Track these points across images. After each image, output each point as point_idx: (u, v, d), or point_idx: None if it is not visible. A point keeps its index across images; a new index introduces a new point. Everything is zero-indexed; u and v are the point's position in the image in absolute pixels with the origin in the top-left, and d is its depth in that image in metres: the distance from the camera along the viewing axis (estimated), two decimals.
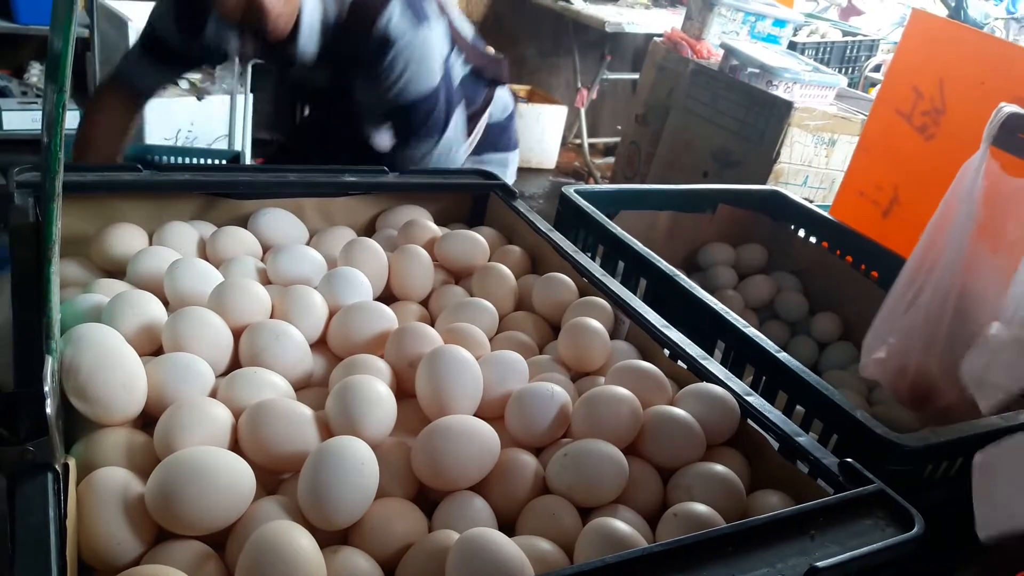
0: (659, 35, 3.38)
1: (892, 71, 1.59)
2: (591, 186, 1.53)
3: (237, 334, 0.87)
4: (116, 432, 0.73)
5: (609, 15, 3.86)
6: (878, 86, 4.13)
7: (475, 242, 1.14)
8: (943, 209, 1.12)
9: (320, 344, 0.93)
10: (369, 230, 1.25)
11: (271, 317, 0.91)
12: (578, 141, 4.43)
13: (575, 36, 4.20)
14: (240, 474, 0.67)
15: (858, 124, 2.89)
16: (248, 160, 3.38)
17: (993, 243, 1.09)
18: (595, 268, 1.11)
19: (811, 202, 1.81)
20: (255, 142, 3.51)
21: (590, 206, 1.41)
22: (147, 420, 0.76)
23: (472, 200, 1.33)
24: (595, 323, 0.95)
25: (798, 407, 1.05)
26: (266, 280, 1.01)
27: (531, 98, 4.39)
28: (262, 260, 1.07)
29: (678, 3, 4.30)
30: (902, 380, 1.16)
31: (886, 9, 6.82)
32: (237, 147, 3.34)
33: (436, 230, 1.18)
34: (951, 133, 1.47)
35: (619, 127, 4.66)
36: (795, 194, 2.34)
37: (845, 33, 4.34)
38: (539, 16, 4.25)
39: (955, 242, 1.08)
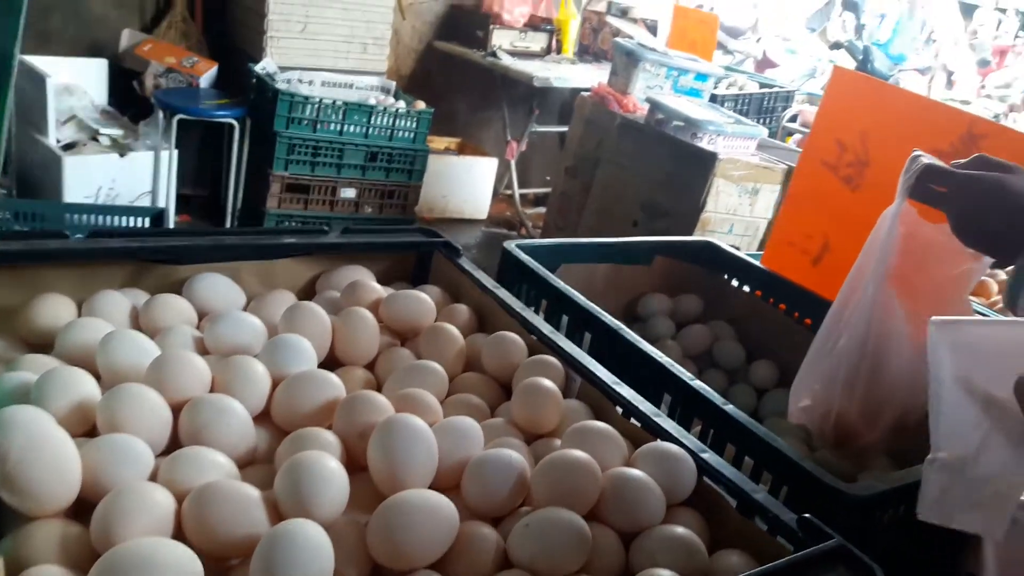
0: (585, 90, 3.46)
1: (817, 125, 1.65)
2: (532, 240, 1.54)
3: (176, 410, 0.82)
4: (48, 524, 0.68)
5: (536, 70, 3.94)
6: (796, 135, 4.32)
7: (421, 302, 1.13)
8: (861, 258, 1.15)
9: (264, 416, 0.89)
10: (310, 292, 1.22)
11: (211, 390, 0.87)
12: (509, 192, 4.48)
13: (504, 91, 4.27)
14: (186, 565, 0.63)
15: (780, 173, 3.00)
16: (172, 217, 3.30)
17: (906, 291, 1.13)
18: (543, 325, 1.10)
19: (738, 249, 1.85)
20: (179, 198, 3.44)
21: (532, 260, 1.42)
22: (82, 509, 0.71)
23: (415, 258, 1.32)
24: (548, 383, 0.94)
25: (747, 459, 1.06)
26: (204, 350, 0.97)
27: (462, 151, 4.42)
28: (199, 328, 1.03)
29: (603, 59, 4.42)
30: (826, 425, 1.19)
31: (798, 61, 7.17)
32: (161, 204, 3.25)
33: (380, 291, 1.16)
34: (876, 184, 1.53)
35: (548, 178, 4.73)
36: (722, 242, 2.40)
37: (762, 85, 4.53)
38: (468, 71, 4.31)
39: (870, 290, 1.11)
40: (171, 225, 3.09)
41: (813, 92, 5.34)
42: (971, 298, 1.65)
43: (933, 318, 0.81)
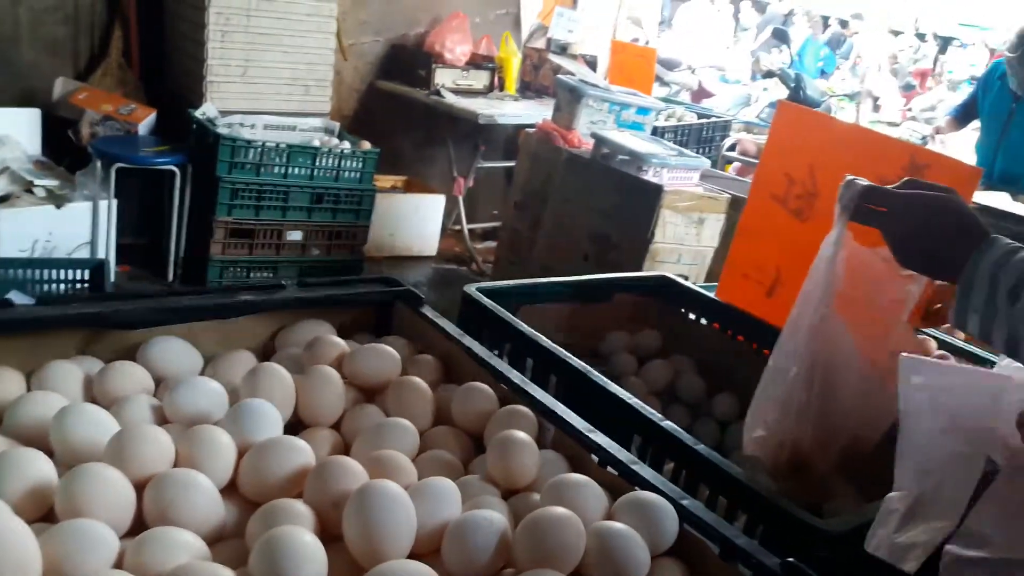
0: (530, 126, 3.49)
1: (764, 160, 1.68)
2: (492, 284, 1.53)
3: (139, 488, 0.79)
4: None
5: (480, 107, 3.96)
6: (735, 164, 4.42)
7: (386, 356, 1.11)
8: (806, 285, 1.17)
9: (231, 488, 0.86)
10: (269, 350, 1.19)
11: (175, 463, 0.84)
12: (458, 227, 4.47)
13: (449, 128, 4.28)
14: None
15: (723, 203, 3.06)
16: (113, 267, 3.20)
17: (851, 315, 1.14)
18: (513, 373, 1.09)
19: (687, 279, 1.88)
20: (119, 248, 3.34)
21: (494, 304, 1.41)
22: None
23: (377, 309, 1.29)
24: (522, 436, 0.93)
25: (721, 498, 1.06)
26: (164, 419, 0.93)
27: (409, 188, 4.41)
28: (157, 396, 0.99)
29: (545, 95, 4.47)
30: (780, 455, 1.19)
31: (731, 91, 7.37)
32: (101, 255, 3.16)
33: (343, 346, 1.14)
34: (825, 214, 1.54)
35: (495, 212, 4.74)
36: (671, 272, 2.42)
37: (699, 115, 4.62)
38: (412, 110, 4.31)
39: (816, 317, 1.13)
40: (112, 276, 3.00)
41: (750, 120, 5.50)
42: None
43: (902, 356, 0.81)
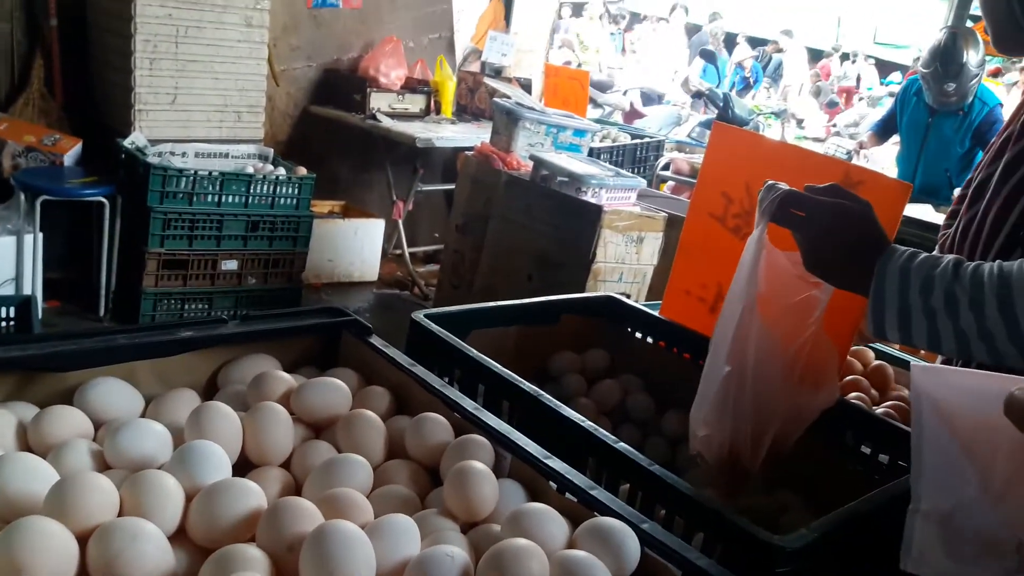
0: (468, 148, 3.50)
1: (702, 179, 1.71)
2: (440, 309, 1.51)
3: (83, 540, 0.75)
4: None
5: (417, 131, 3.96)
6: (669, 183, 4.51)
7: (335, 390, 1.08)
8: (733, 286, 1.19)
9: (180, 535, 0.82)
10: (212, 388, 1.15)
11: (120, 512, 0.80)
12: (399, 252, 4.44)
13: (386, 152, 4.26)
14: None
15: (661, 221, 3.11)
16: (40, 303, 3.08)
17: (771, 316, 1.17)
18: (466, 401, 1.08)
19: (628, 296, 1.90)
20: (47, 283, 3.22)
21: (443, 331, 1.40)
22: None
23: (323, 340, 1.27)
24: (479, 466, 0.92)
25: (677, 519, 1.07)
26: (105, 465, 0.89)
27: (347, 213, 4.37)
28: (96, 441, 0.95)
29: (482, 118, 4.49)
30: (722, 453, 1.21)
31: (662, 111, 7.53)
32: (27, 291, 3.04)
33: (289, 380, 1.11)
34: None
35: (437, 235, 4.73)
36: (613, 290, 2.43)
37: (633, 136, 4.70)
38: (347, 134, 4.28)
39: (742, 317, 1.15)
40: (39, 313, 2.88)
41: (681, 140, 5.61)
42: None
43: (914, 364, 0.83)
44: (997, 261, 0.92)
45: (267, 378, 1.08)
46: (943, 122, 4.13)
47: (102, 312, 3.40)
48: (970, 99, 4.02)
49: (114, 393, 1.02)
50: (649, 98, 8.47)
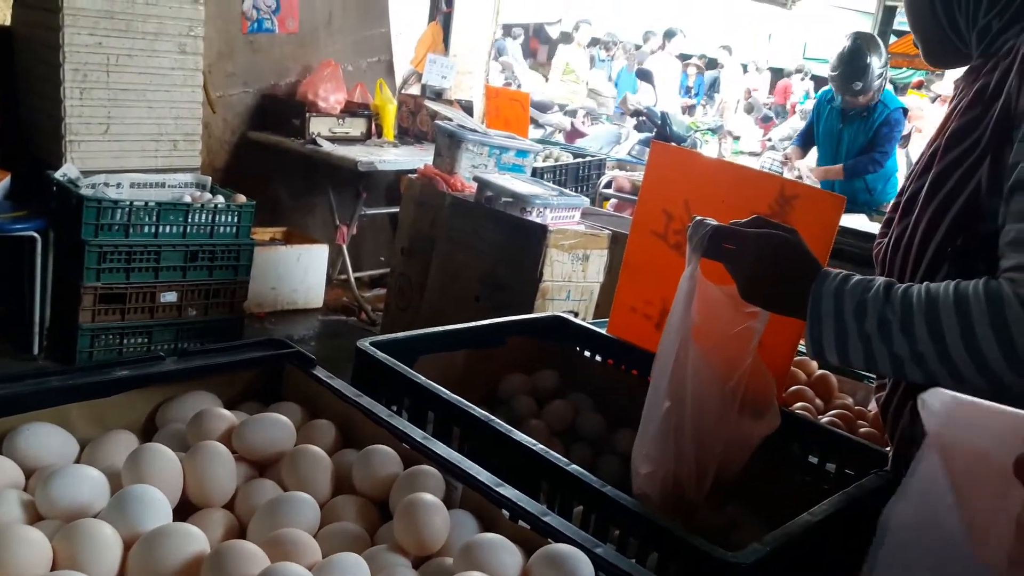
0: (411, 171, 3.48)
1: (642, 198, 1.73)
2: (386, 336, 1.50)
3: None
4: None
5: (359, 155, 3.93)
6: (612, 200, 4.55)
7: (278, 425, 1.06)
8: (669, 322, 1.21)
9: None
10: (151, 428, 1.11)
11: (53, 566, 0.76)
12: (344, 277, 4.39)
13: (328, 176, 4.22)
14: None
15: (605, 239, 3.13)
16: None
17: (708, 348, 1.19)
18: (414, 431, 1.07)
19: (576, 315, 1.90)
20: None
21: (389, 358, 1.38)
22: None
23: (265, 374, 1.24)
24: (429, 498, 0.90)
25: (631, 539, 1.06)
26: (38, 516, 0.85)
27: (289, 240, 4.30)
28: (27, 490, 0.90)
29: (424, 140, 4.49)
30: (666, 490, 1.21)
31: (603, 130, 7.62)
32: None
33: (230, 417, 1.08)
34: None
35: (383, 259, 4.69)
36: (561, 308, 2.42)
37: (575, 155, 4.75)
38: (288, 160, 4.23)
39: (679, 352, 1.17)
40: None
41: (622, 158, 5.69)
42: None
43: (923, 395, 0.77)
44: (925, 283, 0.94)
45: (207, 416, 1.05)
46: (853, 128, 4.29)
47: (36, 350, 3.28)
48: (875, 100, 4.18)
49: (45, 439, 0.98)
50: (592, 117, 8.61)
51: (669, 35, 10.74)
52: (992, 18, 1.05)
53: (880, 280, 0.98)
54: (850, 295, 0.97)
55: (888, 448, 1.45)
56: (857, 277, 0.99)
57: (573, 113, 8.41)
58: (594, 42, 11.94)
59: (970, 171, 1.00)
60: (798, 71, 13.02)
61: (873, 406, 1.76)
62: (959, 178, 1.01)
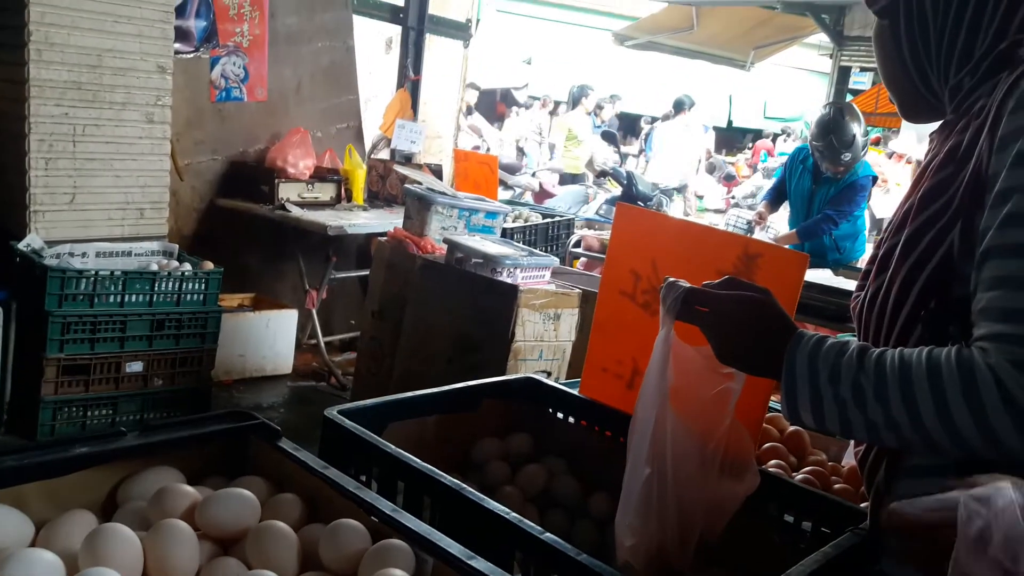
0: (381, 234, 3.49)
1: (610, 258, 1.75)
2: (354, 404, 1.47)
3: None
4: None
5: (329, 219, 3.94)
6: (582, 259, 4.59)
7: (242, 500, 1.03)
8: (643, 386, 1.21)
9: None
10: (111, 507, 1.08)
11: None
12: (313, 342, 4.35)
13: (297, 241, 4.21)
14: None
15: (576, 297, 3.15)
16: None
17: (686, 411, 1.18)
18: (383, 503, 1.04)
19: (549, 375, 1.89)
20: None
21: (357, 426, 1.35)
22: None
23: (229, 447, 1.21)
24: (399, 574, 0.87)
25: None
26: None
27: (257, 306, 4.26)
28: None
29: (394, 203, 4.51)
30: (650, 559, 1.19)
31: (571, 190, 7.73)
32: None
33: (193, 494, 1.05)
34: None
35: (353, 322, 4.66)
36: (534, 368, 2.40)
37: (544, 215, 4.80)
38: (256, 226, 4.22)
39: (654, 415, 1.16)
40: None
41: (590, 217, 5.76)
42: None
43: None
44: (899, 349, 0.94)
45: (168, 493, 1.02)
46: (824, 189, 4.42)
47: None
48: (856, 168, 4.32)
49: None
50: (562, 179, 8.75)
51: (614, 98, 11.05)
52: (963, 76, 1.04)
53: (854, 344, 0.97)
54: (824, 359, 0.96)
55: (864, 504, 1.45)
56: (831, 340, 0.99)
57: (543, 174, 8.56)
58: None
59: (942, 232, 0.99)
60: (785, 132, 13.36)
61: (847, 460, 1.76)
62: (931, 239, 1.00)
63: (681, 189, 8.51)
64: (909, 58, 1.09)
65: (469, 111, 10.63)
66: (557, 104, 12.02)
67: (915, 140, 8.16)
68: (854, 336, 1.11)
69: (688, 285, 1.12)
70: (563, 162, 8.04)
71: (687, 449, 1.17)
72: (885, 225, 1.16)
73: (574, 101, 10.39)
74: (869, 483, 1.14)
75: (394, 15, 5.21)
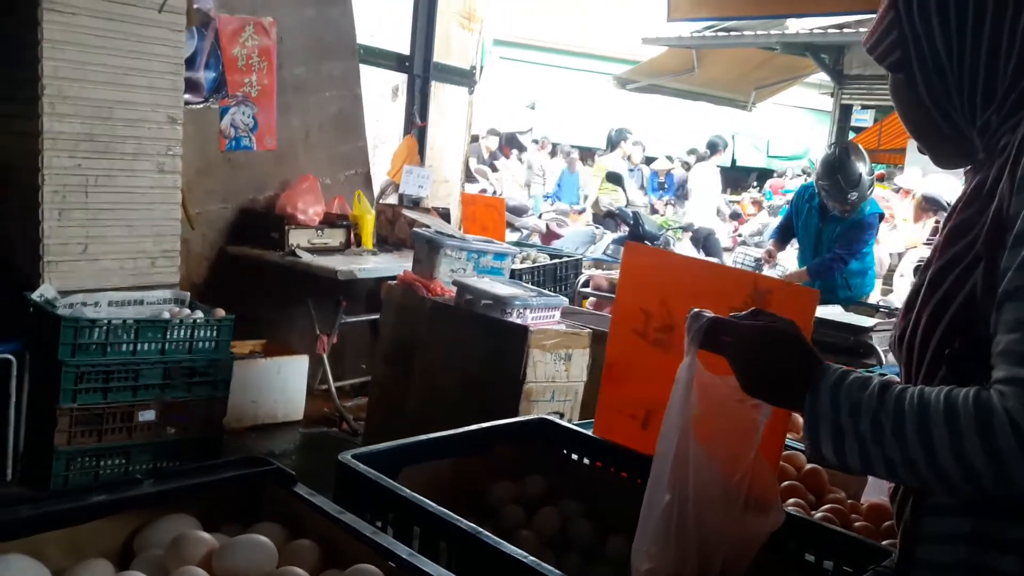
0: (391, 278, 3.51)
1: (620, 298, 1.75)
2: (368, 448, 1.47)
3: None
4: None
5: (339, 264, 3.96)
6: (591, 299, 4.60)
7: (259, 547, 1.02)
8: (666, 416, 1.20)
9: None
10: (127, 556, 1.07)
11: None
12: (325, 387, 4.34)
13: (307, 287, 4.23)
14: None
15: (587, 337, 3.14)
16: None
17: (710, 441, 1.18)
18: (399, 547, 1.04)
19: (562, 416, 1.89)
20: None
21: (371, 471, 1.35)
22: None
23: (245, 493, 1.21)
24: None
25: None
26: None
27: (269, 352, 4.27)
28: None
29: (403, 247, 4.54)
30: None
31: (578, 230, 7.77)
32: None
33: (210, 540, 1.05)
34: (683, 344, 1.62)
35: (364, 366, 4.65)
36: (546, 409, 2.38)
37: (552, 256, 4.82)
38: (267, 272, 4.24)
39: (679, 446, 1.15)
40: None
41: (598, 256, 5.78)
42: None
43: None
44: (920, 388, 0.93)
45: (185, 540, 1.02)
46: (831, 228, 4.43)
47: (9, 477, 3.18)
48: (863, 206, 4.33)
49: (18, 571, 0.94)
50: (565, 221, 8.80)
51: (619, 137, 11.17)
52: (990, 115, 1.03)
53: (876, 380, 0.96)
54: (847, 393, 0.96)
55: (886, 541, 1.43)
56: (855, 374, 0.98)
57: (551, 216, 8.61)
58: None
59: (966, 272, 0.98)
60: (804, 172, 13.46)
61: (866, 498, 1.74)
62: (956, 278, 0.99)
63: (688, 227, 8.54)
64: (932, 106, 1.07)
65: (494, 156, 10.78)
66: (555, 146, 12.17)
67: (920, 175, 8.20)
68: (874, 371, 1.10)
69: (713, 315, 1.12)
70: (601, 202, 8.06)
71: (710, 477, 1.16)
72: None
73: (612, 144, 10.40)
74: (898, 520, 1.12)
75: (400, 63, 5.30)
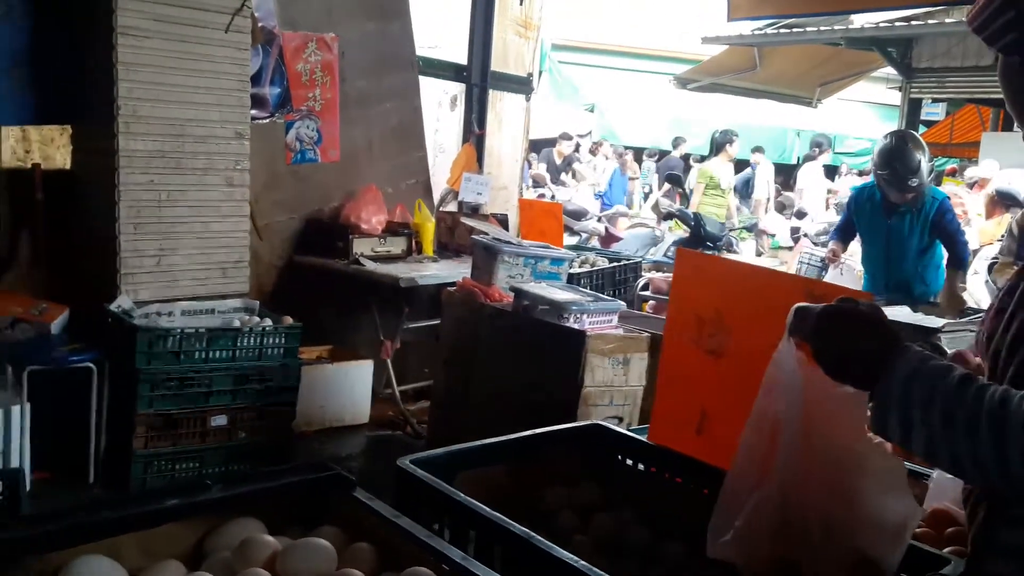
0: (451, 284, 3.57)
1: (673, 305, 1.76)
2: (426, 453, 1.51)
3: None
4: None
5: (401, 271, 4.04)
6: (651, 302, 4.58)
7: (319, 551, 1.07)
8: (760, 400, 1.19)
9: None
10: (198, 557, 1.14)
11: None
12: (389, 391, 4.43)
13: (371, 294, 4.33)
14: None
15: (645, 341, 3.14)
16: (28, 476, 3.03)
17: (813, 426, 1.16)
18: (454, 552, 1.07)
19: (620, 420, 1.90)
20: (35, 451, 3.17)
21: (429, 476, 1.39)
22: None
23: (309, 498, 1.26)
24: None
25: None
26: None
27: (335, 358, 4.38)
28: None
29: (463, 254, 4.60)
30: (757, 561, 1.17)
31: (638, 232, 7.73)
32: (15, 463, 3.00)
33: (274, 544, 1.10)
34: (739, 350, 1.61)
35: (427, 370, 4.73)
36: (605, 414, 2.38)
37: (611, 260, 4.82)
38: (332, 280, 4.35)
39: (789, 430, 1.14)
40: (28, 486, 2.83)
41: (658, 259, 5.75)
42: None
43: None
44: (1003, 388, 0.90)
45: (251, 543, 1.08)
46: (899, 223, 4.31)
47: (91, 479, 3.34)
48: (927, 195, 4.22)
49: (97, 572, 1.01)
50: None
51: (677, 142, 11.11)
52: None
53: (958, 371, 0.93)
54: (925, 377, 0.93)
55: (948, 548, 1.40)
56: (935, 361, 0.95)
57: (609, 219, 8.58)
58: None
59: None
60: (853, 169, 13.19)
61: (928, 503, 1.71)
62: None
63: (751, 228, 8.40)
64: None
65: (568, 161, 10.82)
66: (597, 144, 12.18)
67: (997, 167, 7.91)
68: None
69: (798, 304, 1.11)
70: (704, 210, 7.66)
71: (818, 465, 1.14)
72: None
73: (717, 147, 9.89)
74: (970, 523, 1.09)
75: (458, 74, 5.37)
